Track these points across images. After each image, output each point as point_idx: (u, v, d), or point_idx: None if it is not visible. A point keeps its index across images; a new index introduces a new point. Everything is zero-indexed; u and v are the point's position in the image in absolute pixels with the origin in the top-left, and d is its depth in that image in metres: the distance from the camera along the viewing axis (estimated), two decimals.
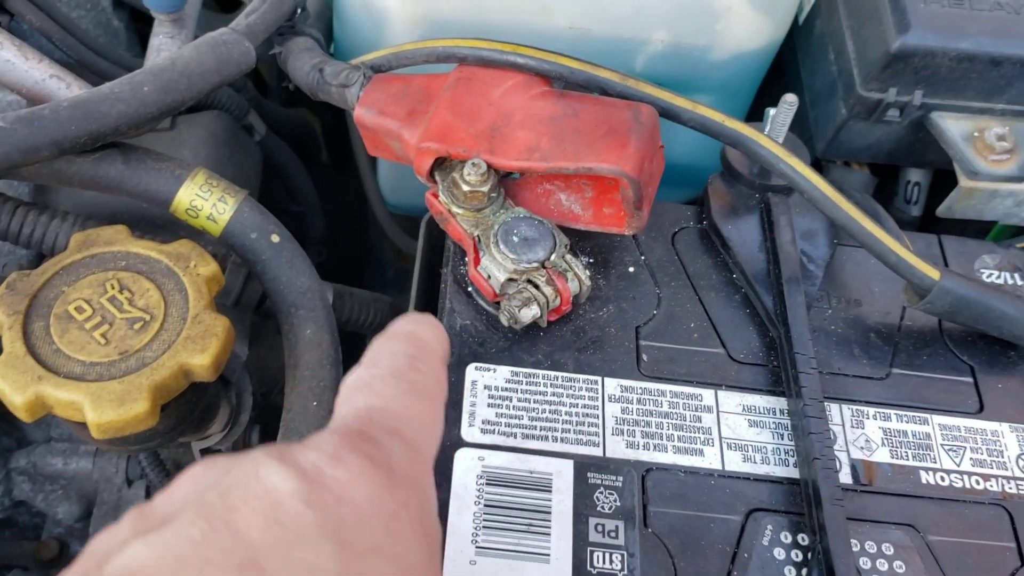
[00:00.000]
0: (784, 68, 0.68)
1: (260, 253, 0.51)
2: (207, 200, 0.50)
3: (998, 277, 0.54)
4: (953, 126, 0.57)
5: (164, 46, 0.61)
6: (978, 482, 0.46)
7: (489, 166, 0.47)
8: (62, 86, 0.53)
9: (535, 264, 0.46)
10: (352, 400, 0.31)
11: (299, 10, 0.59)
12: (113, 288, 0.45)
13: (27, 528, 0.74)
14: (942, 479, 0.46)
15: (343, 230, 1.00)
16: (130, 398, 0.42)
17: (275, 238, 0.51)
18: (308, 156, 0.88)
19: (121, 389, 0.42)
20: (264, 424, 0.66)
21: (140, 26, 0.79)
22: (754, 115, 0.71)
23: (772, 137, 0.50)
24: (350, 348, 0.51)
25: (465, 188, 0.47)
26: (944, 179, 0.64)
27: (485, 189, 0.47)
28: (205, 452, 0.55)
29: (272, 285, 0.51)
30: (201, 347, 0.43)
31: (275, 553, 0.24)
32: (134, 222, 0.59)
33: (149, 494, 0.71)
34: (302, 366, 0.48)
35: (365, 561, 0.25)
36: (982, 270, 0.54)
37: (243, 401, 0.54)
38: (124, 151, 0.50)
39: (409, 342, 0.34)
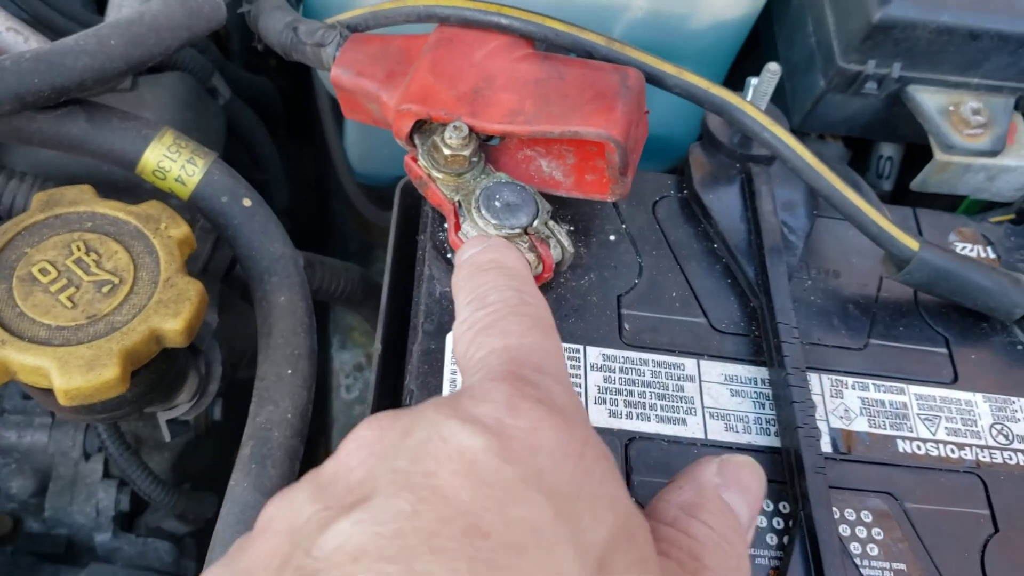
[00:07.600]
0: (759, 39, 0.68)
1: (231, 217, 0.49)
2: (175, 161, 0.48)
3: (971, 250, 0.55)
4: (929, 100, 0.57)
5: (126, 1, 0.59)
6: (953, 451, 0.47)
7: (471, 129, 0.46)
8: (20, 40, 0.50)
9: (518, 230, 0.45)
10: (486, 344, 0.30)
11: None
12: (79, 250, 0.43)
13: None
14: (918, 448, 0.47)
15: (302, 201, 0.98)
16: (99, 363, 0.40)
17: (247, 202, 0.50)
18: (271, 125, 0.86)
19: (90, 354, 0.40)
20: (228, 397, 0.64)
21: None
22: (729, 86, 0.70)
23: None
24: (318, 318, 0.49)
25: (446, 152, 0.46)
26: (917, 154, 0.65)
27: (467, 153, 0.46)
28: (171, 423, 0.54)
29: (244, 251, 0.49)
30: (174, 311, 0.42)
31: (492, 515, 0.23)
32: (95, 184, 0.57)
33: (108, 468, 0.69)
34: (275, 334, 0.47)
35: (574, 505, 0.24)
36: (956, 243, 0.55)
37: (212, 371, 0.52)
38: (88, 108, 0.47)
39: (503, 274, 0.34)
